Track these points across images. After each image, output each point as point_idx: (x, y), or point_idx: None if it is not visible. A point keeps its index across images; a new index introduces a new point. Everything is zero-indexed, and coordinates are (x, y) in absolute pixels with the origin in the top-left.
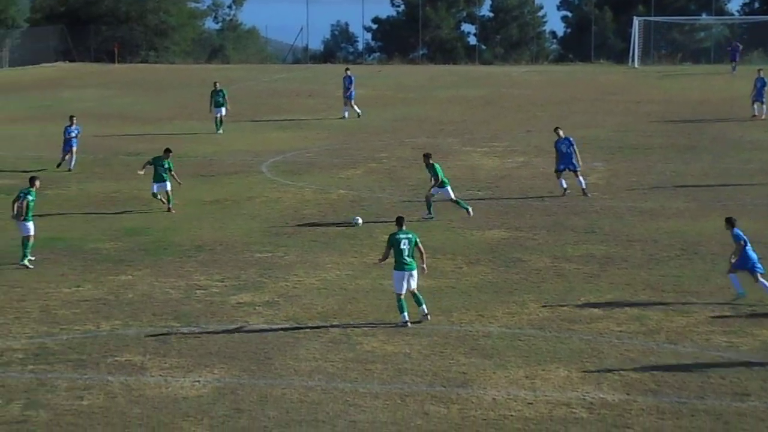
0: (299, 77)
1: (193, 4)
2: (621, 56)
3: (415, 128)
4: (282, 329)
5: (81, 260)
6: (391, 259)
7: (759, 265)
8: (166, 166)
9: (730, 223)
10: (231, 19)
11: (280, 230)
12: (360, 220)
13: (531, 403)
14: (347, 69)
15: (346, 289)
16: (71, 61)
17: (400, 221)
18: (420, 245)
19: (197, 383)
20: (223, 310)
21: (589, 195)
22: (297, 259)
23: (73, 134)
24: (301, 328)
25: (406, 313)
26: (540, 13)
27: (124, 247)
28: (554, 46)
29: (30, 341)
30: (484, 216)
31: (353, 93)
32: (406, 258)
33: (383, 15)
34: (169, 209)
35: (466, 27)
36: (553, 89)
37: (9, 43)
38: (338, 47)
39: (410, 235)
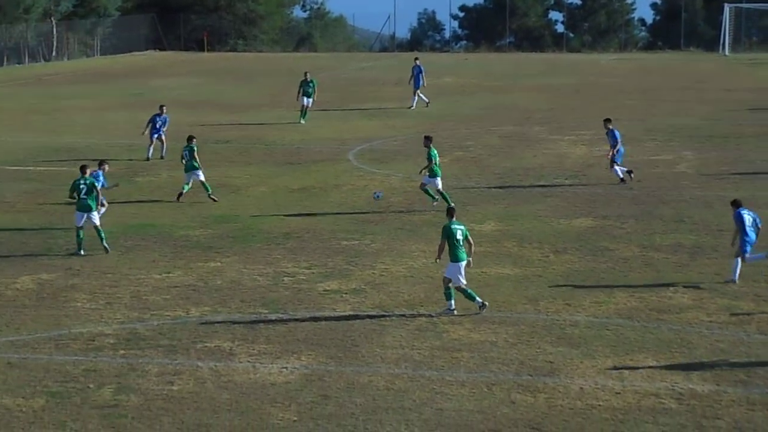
0: (386, 65)
1: None
2: (711, 44)
3: (501, 116)
4: (368, 317)
5: (171, 247)
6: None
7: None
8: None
9: (734, 205)
10: (319, 8)
11: (367, 218)
12: (381, 194)
13: (619, 393)
14: (416, 59)
15: (432, 277)
16: (161, 49)
17: (451, 212)
18: (470, 237)
19: (285, 369)
20: (310, 297)
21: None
22: (383, 247)
23: (158, 124)
24: (388, 315)
25: (477, 299)
26: (629, 0)
27: (213, 234)
28: (643, 33)
29: (121, 327)
30: (571, 204)
31: (421, 82)
32: (461, 248)
33: (470, 3)
34: (212, 198)
35: (554, 14)
36: (641, 77)
37: (101, 32)
38: (425, 35)
39: (462, 227)
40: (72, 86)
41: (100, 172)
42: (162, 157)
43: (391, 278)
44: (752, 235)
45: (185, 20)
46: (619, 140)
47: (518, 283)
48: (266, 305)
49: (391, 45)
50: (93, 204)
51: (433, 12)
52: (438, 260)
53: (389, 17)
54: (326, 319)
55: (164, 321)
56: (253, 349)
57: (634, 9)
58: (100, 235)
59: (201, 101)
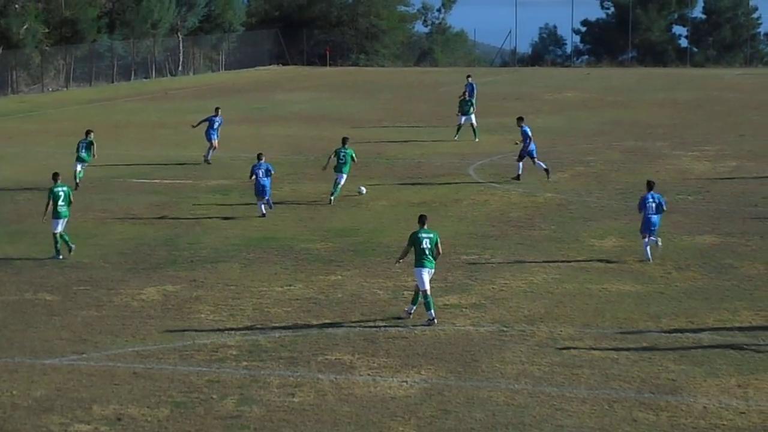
0: (507, 80)
1: (403, 8)
2: None
3: (623, 132)
4: (488, 332)
5: (292, 260)
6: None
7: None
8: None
9: (647, 186)
10: (440, 23)
11: (487, 233)
12: (364, 190)
13: (743, 413)
14: (469, 76)
15: (552, 293)
16: (285, 64)
17: (422, 219)
18: (439, 245)
19: (405, 383)
20: None
21: None
22: (503, 262)
23: (216, 125)
24: (508, 330)
25: (432, 311)
26: (755, 15)
27: (333, 248)
28: None
29: (244, 338)
30: (694, 221)
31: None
32: (427, 255)
33: (592, 17)
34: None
35: (677, 29)
36: (767, 93)
37: (225, 47)
38: (546, 50)
39: (431, 234)
40: (197, 100)
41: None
42: (207, 161)
43: (511, 293)
44: (654, 218)
45: (308, 35)
46: (530, 137)
47: (640, 300)
48: (386, 319)
49: (512, 59)
50: (68, 212)
51: (555, 27)
52: (398, 263)
53: (510, 32)
54: (446, 333)
55: (285, 333)
56: (374, 363)
57: (760, 23)
58: (64, 238)
59: (322, 115)
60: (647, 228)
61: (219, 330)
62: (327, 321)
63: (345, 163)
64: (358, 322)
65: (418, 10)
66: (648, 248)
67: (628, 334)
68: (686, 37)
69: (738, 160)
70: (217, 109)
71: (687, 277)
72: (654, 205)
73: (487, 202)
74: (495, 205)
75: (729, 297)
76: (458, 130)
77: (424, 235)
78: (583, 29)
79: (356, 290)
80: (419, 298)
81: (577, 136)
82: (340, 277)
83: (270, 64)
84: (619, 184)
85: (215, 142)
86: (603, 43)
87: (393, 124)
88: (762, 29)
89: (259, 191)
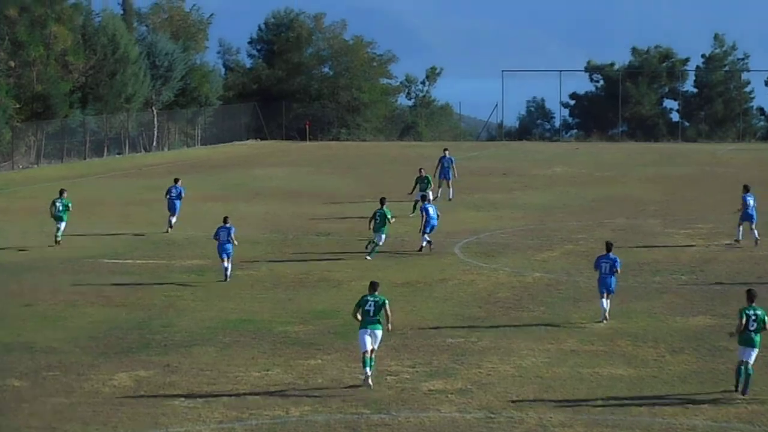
0: (494, 154)
1: (385, 81)
2: None
3: (614, 208)
4: (475, 418)
5: (270, 343)
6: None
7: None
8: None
9: (606, 247)
10: (424, 96)
11: (473, 314)
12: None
13: None
14: (446, 149)
15: (542, 377)
16: (263, 138)
17: (373, 286)
18: (387, 309)
19: None
20: (414, 397)
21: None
22: (490, 345)
23: (174, 194)
24: (495, 417)
25: (368, 369)
26: (747, 89)
27: (313, 330)
28: (762, 123)
29: (219, 426)
30: (688, 302)
31: (451, 175)
32: (370, 317)
33: (581, 90)
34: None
35: (669, 103)
36: (761, 168)
37: (201, 122)
38: (534, 123)
39: (378, 299)
40: (172, 177)
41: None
42: (167, 231)
43: (499, 378)
44: (608, 279)
45: (287, 109)
46: (432, 216)
47: (633, 384)
48: (368, 405)
49: (498, 133)
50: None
51: (542, 100)
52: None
53: (497, 105)
54: (431, 420)
55: (263, 420)
56: None
57: (753, 97)
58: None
59: (301, 191)
60: (601, 288)
61: (194, 418)
62: (307, 408)
63: (382, 224)
64: (339, 408)
65: (401, 82)
66: (604, 308)
67: (621, 421)
68: (677, 111)
69: (732, 237)
70: (176, 179)
71: (681, 361)
72: (607, 266)
73: (474, 281)
74: (482, 285)
75: (724, 381)
76: (414, 206)
77: (369, 298)
78: (572, 102)
79: (337, 375)
80: (372, 362)
81: (567, 212)
82: (320, 361)
83: (247, 139)
84: None
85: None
86: (592, 116)
87: (375, 200)
88: (754, 103)
89: (221, 251)
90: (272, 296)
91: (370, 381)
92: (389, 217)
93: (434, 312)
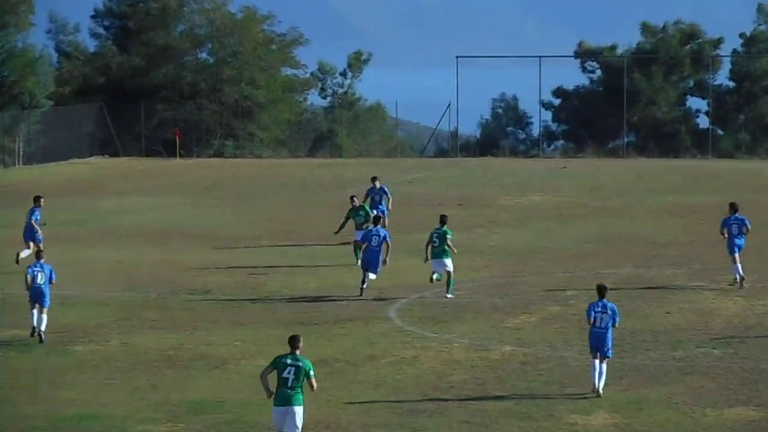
0: (445, 177)
1: (290, 72)
2: None
3: (617, 253)
4: None
5: None
6: None
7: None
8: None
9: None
10: (345, 93)
11: (417, 407)
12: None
13: None
14: (375, 179)
15: None
16: (113, 155)
17: (293, 342)
18: (313, 380)
19: None
20: None
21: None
22: None
23: (34, 218)
24: None
25: None
26: None
27: (186, 431)
28: None
29: None
30: (722, 386)
31: (385, 210)
32: (288, 388)
33: (569, 85)
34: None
35: (694, 102)
36: None
37: (24, 131)
38: (503, 132)
39: (301, 363)
40: None
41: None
42: (17, 262)
43: None
44: (602, 333)
45: (148, 112)
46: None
47: None
48: None
49: (452, 146)
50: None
51: (515, 98)
52: (270, 398)
53: (449, 106)
54: None
55: None
56: None
57: None
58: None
59: (170, 231)
60: (594, 347)
61: None
62: None
63: (442, 249)
64: None
65: (312, 74)
66: (596, 374)
67: None
68: (707, 113)
69: None
70: (37, 198)
71: None
72: (603, 318)
73: (418, 359)
74: (429, 363)
75: None
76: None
77: (289, 361)
78: (557, 102)
79: None
80: None
81: (550, 259)
82: None
83: (91, 155)
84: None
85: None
86: (586, 121)
87: (276, 243)
88: None
89: (35, 297)
90: (127, 382)
91: None
92: (450, 237)
93: (361, 403)
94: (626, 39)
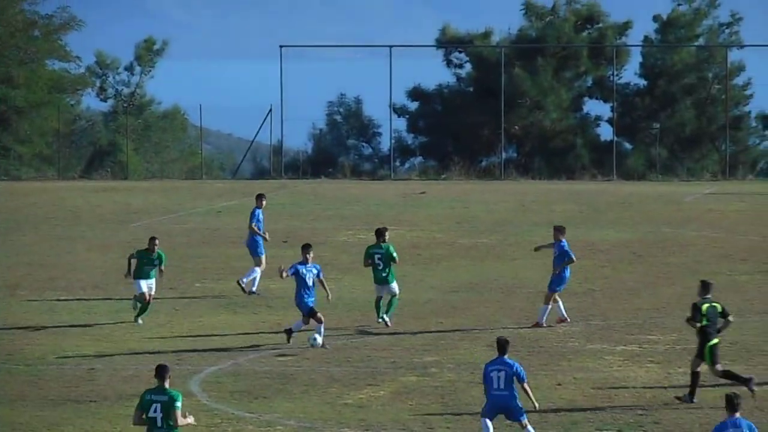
0: (265, 206)
1: (58, 65)
2: None
3: (493, 305)
4: None
5: None
6: None
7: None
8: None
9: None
10: (132, 94)
11: None
12: (319, 340)
13: None
14: (260, 197)
15: None
16: None
17: (161, 371)
18: (178, 412)
19: None
20: None
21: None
22: None
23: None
24: None
25: None
26: (739, 79)
27: None
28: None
29: None
30: None
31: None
32: (157, 428)
33: (429, 83)
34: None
35: (594, 106)
36: (763, 228)
37: None
38: (342, 146)
39: (167, 396)
40: None
41: None
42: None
43: None
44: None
45: None
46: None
47: None
48: None
49: (275, 165)
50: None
51: (359, 101)
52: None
53: (270, 111)
54: None
55: None
56: None
57: (750, 98)
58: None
59: None
60: (490, 411)
61: None
62: None
63: (387, 270)
64: None
65: (88, 68)
66: None
67: None
68: (610, 121)
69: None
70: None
71: None
72: (502, 376)
73: None
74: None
75: None
76: (137, 306)
77: (153, 396)
78: (413, 105)
79: None
80: None
81: (404, 314)
82: None
83: None
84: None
85: None
86: (451, 132)
87: (40, 295)
88: (752, 106)
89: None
90: None
91: None
92: (394, 255)
93: None
94: (504, 23)
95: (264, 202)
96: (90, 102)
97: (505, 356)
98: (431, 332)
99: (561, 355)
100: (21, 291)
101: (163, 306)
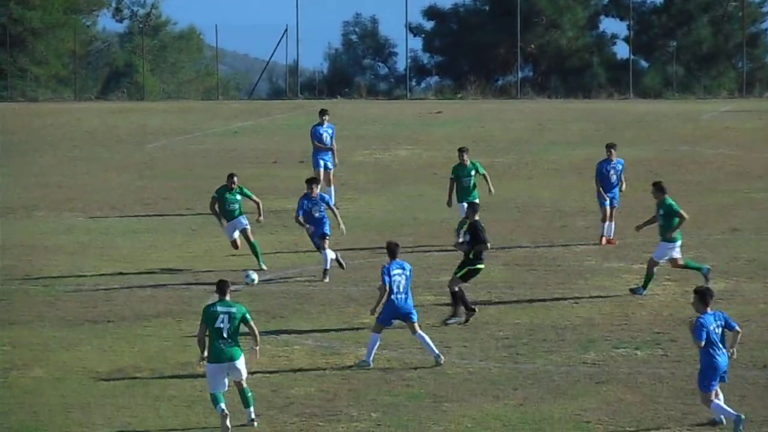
0: (280, 126)
1: None
2: None
3: (510, 224)
4: None
5: None
6: None
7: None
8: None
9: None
10: (148, 15)
11: (245, 431)
12: (255, 277)
13: None
14: (324, 112)
15: None
16: None
17: (222, 287)
18: (252, 323)
19: None
20: None
21: None
22: None
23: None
24: None
25: (223, 404)
26: None
27: None
28: None
29: None
30: (648, 399)
31: (331, 157)
32: (223, 342)
33: (445, 3)
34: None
35: (610, 24)
36: None
37: None
38: (358, 65)
39: (234, 308)
40: None
41: None
42: None
43: None
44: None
45: None
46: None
47: None
48: None
49: (291, 85)
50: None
51: (374, 20)
52: (202, 362)
53: (286, 31)
54: None
55: None
56: None
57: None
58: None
59: None
60: (389, 317)
61: None
62: None
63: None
64: None
65: None
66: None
67: None
68: (626, 39)
69: (730, 278)
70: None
71: None
72: (402, 279)
73: (246, 367)
74: (262, 372)
75: None
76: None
77: (220, 308)
78: (429, 25)
79: None
80: (250, 397)
81: (421, 234)
82: None
83: None
84: (502, 328)
85: None
86: (467, 51)
87: (57, 215)
88: None
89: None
90: None
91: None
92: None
93: (169, 431)
94: None
95: (326, 118)
96: (106, 23)
97: (400, 259)
98: (448, 251)
99: (578, 273)
100: (38, 212)
101: (181, 226)
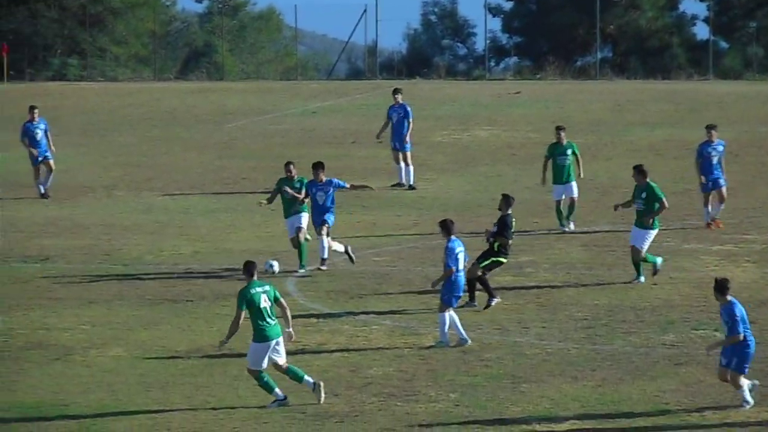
0: (360, 106)
1: None
2: None
3: (589, 205)
4: None
5: None
6: None
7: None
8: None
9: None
10: None
11: (324, 409)
12: (276, 266)
13: None
14: (397, 91)
15: None
16: None
17: (249, 268)
18: (282, 299)
19: None
20: None
21: None
22: None
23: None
24: None
25: (278, 389)
26: None
27: None
28: None
29: None
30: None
31: (406, 134)
32: (269, 321)
33: None
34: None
35: (689, 5)
36: None
37: None
38: (437, 47)
39: (268, 287)
40: None
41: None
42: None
43: None
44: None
45: None
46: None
47: None
48: None
49: (370, 65)
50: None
51: (453, 1)
52: (225, 343)
53: (365, 11)
54: None
55: None
56: None
57: None
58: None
59: None
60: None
61: None
62: None
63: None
64: None
65: None
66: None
67: None
68: (706, 20)
69: None
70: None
71: None
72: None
73: (325, 347)
74: (340, 352)
75: None
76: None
77: (259, 288)
78: (508, 5)
79: None
80: (269, 380)
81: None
82: None
83: None
84: (573, 310)
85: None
86: (546, 32)
87: (137, 194)
88: None
89: None
90: None
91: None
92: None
93: (249, 409)
94: None
95: (399, 97)
96: (185, 3)
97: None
98: (527, 232)
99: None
100: (118, 192)
101: (259, 207)
